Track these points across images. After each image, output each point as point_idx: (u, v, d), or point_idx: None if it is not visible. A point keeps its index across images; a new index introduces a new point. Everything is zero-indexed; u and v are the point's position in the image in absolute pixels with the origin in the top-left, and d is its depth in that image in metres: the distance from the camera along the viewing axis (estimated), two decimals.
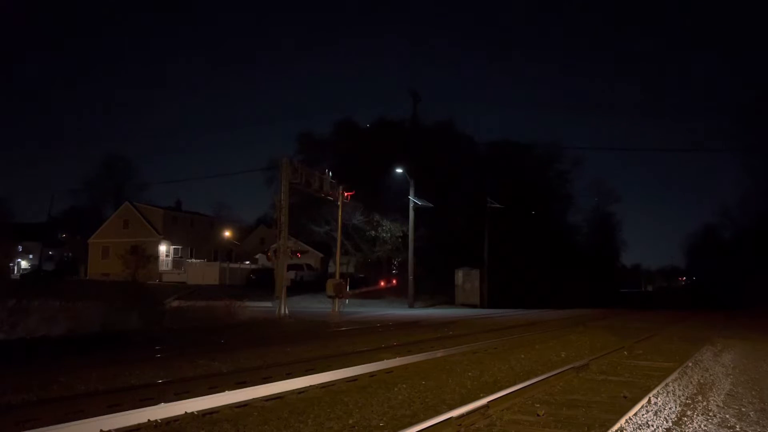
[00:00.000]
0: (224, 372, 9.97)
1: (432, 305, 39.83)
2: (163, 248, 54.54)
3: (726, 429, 6.58)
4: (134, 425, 6.18)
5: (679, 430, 6.41)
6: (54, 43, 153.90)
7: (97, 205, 67.99)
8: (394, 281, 37.40)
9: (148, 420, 6.31)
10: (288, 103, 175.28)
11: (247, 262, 55.74)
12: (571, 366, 10.48)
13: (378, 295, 41.79)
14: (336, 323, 22.25)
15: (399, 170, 39.43)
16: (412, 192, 39.08)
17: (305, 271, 48.83)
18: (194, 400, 7.06)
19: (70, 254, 64.02)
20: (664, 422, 6.64)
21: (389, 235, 44.84)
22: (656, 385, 8.75)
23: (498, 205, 43.77)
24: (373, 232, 45.15)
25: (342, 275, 30.78)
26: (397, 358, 11.34)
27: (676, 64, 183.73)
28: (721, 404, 7.88)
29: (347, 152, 47.03)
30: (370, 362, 10.71)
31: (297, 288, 39.55)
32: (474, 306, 40.59)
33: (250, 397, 7.57)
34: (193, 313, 21.07)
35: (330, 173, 29.48)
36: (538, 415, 7.02)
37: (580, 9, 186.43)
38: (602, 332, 19.58)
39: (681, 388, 8.85)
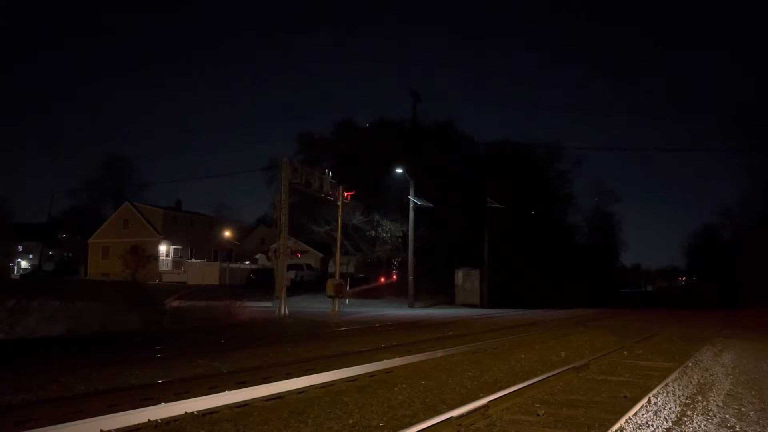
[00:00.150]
0: (224, 372, 9.97)
1: (432, 305, 39.82)
2: (163, 248, 54.55)
3: (726, 429, 6.58)
4: (134, 425, 6.19)
5: (679, 430, 6.41)
6: (54, 42, 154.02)
7: (97, 205, 68.06)
8: (395, 276, 37.38)
9: (148, 420, 6.31)
10: (288, 103, 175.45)
11: (247, 262, 55.75)
12: (571, 366, 10.48)
13: (378, 294, 41.78)
14: (336, 323, 22.25)
15: (399, 170, 39.43)
16: (412, 192, 39.07)
17: (305, 271, 48.84)
18: (194, 400, 7.06)
19: (70, 254, 64.05)
20: (664, 422, 6.64)
21: (389, 235, 44.84)
22: (656, 385, 8.76)
23: (498, 205, 43.76)
24: (373, 232, 45.15)
25: (342, 275, 30.75)
26: (397, 358, 11.34)
27: (677, 64, 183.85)
28: (721, 404, 7.88)
29: (347, 152, 47.03)
30: (370, 362, 10.71)
31: (297, 288, 39.56)
32: (474, 306, 40.59)
33: (250, 397, 7.57)
34: (193, 313, 21.08)
35: (330, 173, 29.45)
36: (538, 415, 7.02)
37: (580, 9, 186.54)
38: (602, 332, 19.58)
39: (681, 388, 8.85)
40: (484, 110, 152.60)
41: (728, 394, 8.65)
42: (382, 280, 33.71)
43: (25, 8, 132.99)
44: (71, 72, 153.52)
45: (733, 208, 71.15)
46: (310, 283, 43.84)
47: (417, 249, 39.52)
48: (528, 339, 17.17)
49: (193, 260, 53.48)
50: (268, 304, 25.72)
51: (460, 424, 6.20)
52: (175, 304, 23.89)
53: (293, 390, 8.22)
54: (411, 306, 37.36)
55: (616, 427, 6.24)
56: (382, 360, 11.07)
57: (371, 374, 9.85)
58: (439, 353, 12.60)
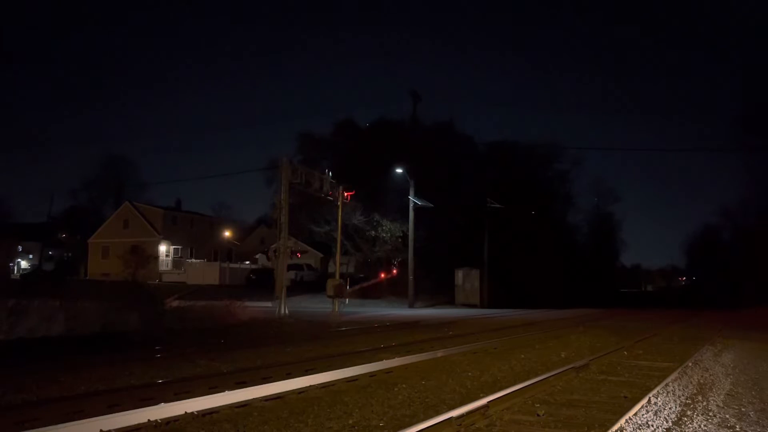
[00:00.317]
0: (224, 372, 9.97)
1: (432, 305, 39.82)
2: (163, 248, 54.56)
3: (726, 429, 6.59)
4: (134, 425, 6.18)
5: (679, 430, 6.41)
6: (54, 42, 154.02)
7: (97, 205, 68.01)
8: (395, 271, 37.36)
9: (148, 420, 6.31)
10: (288, 103, 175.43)
11: (247, 262, 55.75)
12: (571, 366, 10.48)
13: (378, 294, 41.79)
14: (336, 323, 22.25)
15: (399, 170, 39.42)
16: (412, 192, 39.07)
17: (305, 271, 48.85)
18: (194, 400, 7.06)
19: (70, 254, 64.03)
20: (664, 422, 6.64)
21: (389, 235, 44.82)
22: (656, 385, 8.76)
23: (498, 205, 43.77)
24: (373, 232, 45.13)
25: (342, 275, 30.78)
26: (397, 358, 11.34)
27: (677, 64, 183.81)
28: (721, 404, 7.88)
29: (347, 152, 47.01)
30: (370, 362, 10.71)
31: (297, 288, 39.55)
32: (474, 306, 40.59)
33: (250, 397, 7.57)
34: (193, 313, 21.04)
35: (330, 173, 29.46)
36: (538, 415, 7.03)
37: (580, 9, 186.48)
38: (602, 332, 19.59)
39: (681, 388, 8.85)
40: (484, 110, 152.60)
41: (728, 394, 8.65)
42: (382, 275, 33.70)
43: (26, 8, 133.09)
44: (71, 72, 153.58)
45: (733, 208, 71.27)
46: (310, 283, 43.85)
47: (417, 249, 39.51)
48: (528, 339, 17.17)
49: (193, 260, 53.49)
50: (268, 304, 25.71)
51: (460, 424, 6.20)
52: (175, 304, 23.84)
53: (293, 390, 8.22)
54: (411, 306, 37.36)
55: (616, 427, 6.24)
56: (382, 360, 11.07)
57: (371, 374, 9.85)
58: (439, 353, 12.60)
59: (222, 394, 7.52)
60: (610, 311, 36.11)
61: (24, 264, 65.10)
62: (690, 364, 11.38)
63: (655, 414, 6.97)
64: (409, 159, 39.93)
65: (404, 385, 8.97)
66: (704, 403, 7.83)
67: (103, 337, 15.44)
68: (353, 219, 42.37)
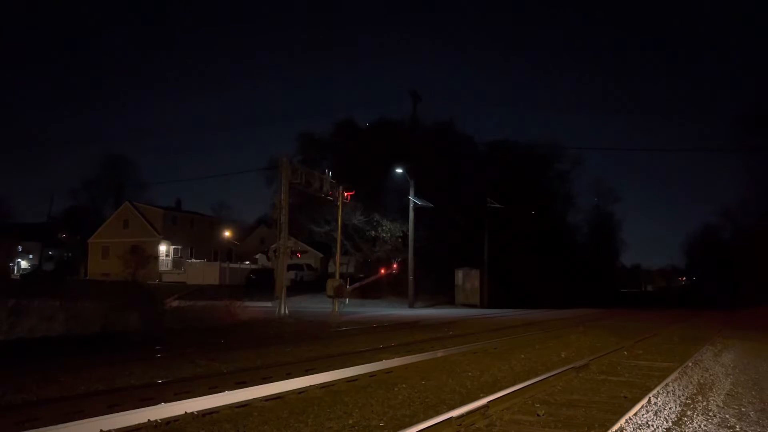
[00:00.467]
0: (224, 372, 9.97)
1: (432, 305, 39.82)
2: (163, 248, 54.56)
3: (726, 429, 6.59)
4: (134, 425, 6.18)
5: (679, 430, 6.41)
6: (54, 42, 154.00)
7: (97, 205, 68.02)
8: (395, 266, 37.32)
9: (148, 420, 6.31)
10: (288, 103, 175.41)
11: (247, 262, 55.76)
12: (571, 366, 10.48)
13: (378, 294, 41.77)
14: (336, 323, 22.25)
15: (399, 170, 39.42)
16: (412, 192, 39.07)
17: (305, 271, 48.85)
18: (194, 400, 7.06)
19: (70, 254, 64.06)
20: (664, 422, 6.64)
21: (389, 235, 44.81)
22: (656, 385, 8.76)
23: (498, 205, 43.77)
24: (373, 232, 45.12)
25: (342, 275, 30.76)
26: (397, 358, 11.34)
27: (677, 64, 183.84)
28: (721, 404, 7.88)
29: (347, 152, 47.00)
30: (370, 362, 10.71)
31: (297, 288, 39.54)
32: (474, 306, 40.59)
33: (250, 397, 7.57)
34: (193, 313, 21.03)
35: (330, 173, 29.45)
36: (538, 415, 7.02)
37: (580, 9, 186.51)
38: (602, 332, 19.59)
39: (681, 388, 8.85)
40: (484, 110, 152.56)
41: (728, 394, 8.65)
42: (383, 271, 33.65)
43: (26, 8, 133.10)
44: (71, 72, 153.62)
45: (734, 209, 71.23)
46: (310, 283, 43.84)
47: (417, 249, 39.50)
48: (528, 339, 17.17)
49: (193, 260, 53.49)
50: (268, 304, 25.71)
51: (460, 424, 6.20)
52: (175, 304, 23.84)
53: (293, 390, 8.22)
54: (411, 306, 37.35)
55: (616, 427, 6.24)
56: (382, 360, 11.07)
57: (371, 374, 9.85)
58: (439, 353, 12.60)
59: (222, 394, 7.52)
60: (610, 311, 36.11)
61: (24, 264, 65.10)
62: (690, 364, 11.38)
63: (655, 414, 6.97)
64: (409, 159, 39.92)
65: (404, 385, 8.97)
66: (704, 403, 7.83)
67: (103, 337, 15.43)
68: (353, 219, 42.37)
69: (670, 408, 7.37)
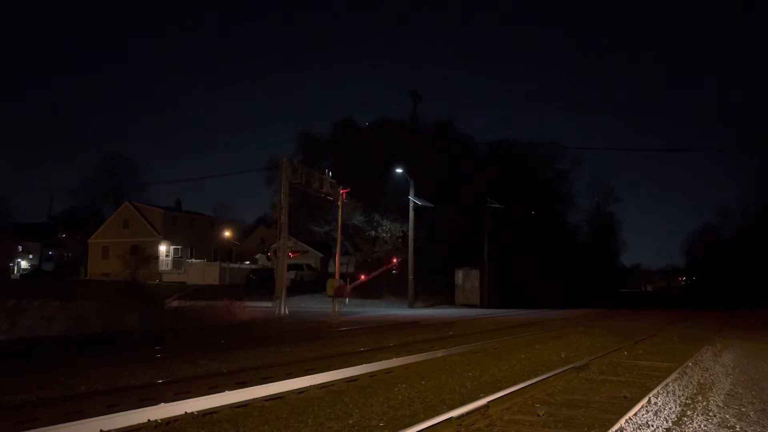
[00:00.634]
0: (224, 372, 9.97)
1: (432, 305, 39.82)
2: (163, 248, 54.56)
3: (726, 429, 6.59)
4: (134, 425, 6.19)
5: (679, 430, 6.41)
6: (55, 42, 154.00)
7: (97, 205, 68.05)
8: (394, 260, 37.30)
9: (148, 420, 6.31)
10: (288, 103, 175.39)
11: (247, 262, 55.75)
12: (571, 366, 10.49)
13: (378, 294, 41.78)
14: (336, 323, 22.25)
15: (399, 170, 39.44)
16: (412, 192, 39.07)
17: (305, 271, 48.84)
18: (194, 400, 7.06)
19: (70, 254, 64.05)
20: (664, 422, 6.64)
21: (389, 235, 44.80)
22: (656, 385, 8.76)
23: (498, 205, 43.76)
24: (373, 232, 45.11)
25: (342, 275, 30.77)
26: (397, 358, 11.35)
27: (677, 64, 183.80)
28: (721, 404, 7.88)
29: (347, 152, 46.98)
30: (370, 362, 10.71)
31: (297, 288, 39.54)
32: (474, 306, 40.58)
33: (250, 397, 7.57)
34: (193, 313, 21.05)
35: (330, 173, 29.47)
36: (538, 415, 7.02)
37: (580, 9, 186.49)
38: (602, 332, 19.58)
39: (681, 388, 8.86)
40: (484, 110, 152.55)
41: (728, 394, 8.65)
42: (384, 267, 33.65)
43: (26, 8, 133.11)
44: (72, 72, 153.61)
45: (733, 208, 71.31)
46: (310, 283, 43.83)
47: (417, 249, 39.50)
48: (528, 339, 17.17)
49: (193, 260, 53.48)
50: (268, 304, 25.72)
51: (460, 424, 6.20)
52: (175, 304, 23.86)
53: (293, 390, 8.22)
54: (411, 306, 37.35)
55: (616, 427, 6.24)
56: (382, 360, 11.07)
57: (371, 374, 9.85)
58: (439, 353, 12.61)
59: (222, 394, 7.52)
60: (610, 311, 36.09)
61: (24, 264, 65.10)
62: (690, 364, 11.38)
63: (655, 414, 6.98)
64: (409, 159, 39.92)
65: (404, 385, 8.97)
66: (704, 403, 7.83)
67: (103, 337, 15.43)
68: (353, 219, 42.36)
69: (670, 408, 7.37)
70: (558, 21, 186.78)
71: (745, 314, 33.74)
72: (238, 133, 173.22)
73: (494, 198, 43.96)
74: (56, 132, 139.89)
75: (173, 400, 7.16)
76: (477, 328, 21.13)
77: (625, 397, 8.19)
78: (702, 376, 10.15)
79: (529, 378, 9.18)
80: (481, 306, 40.86)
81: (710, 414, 7.21)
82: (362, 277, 32.35)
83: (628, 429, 6.26)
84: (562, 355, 13.16)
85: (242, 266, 52.49)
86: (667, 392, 8.40)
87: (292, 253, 29.09)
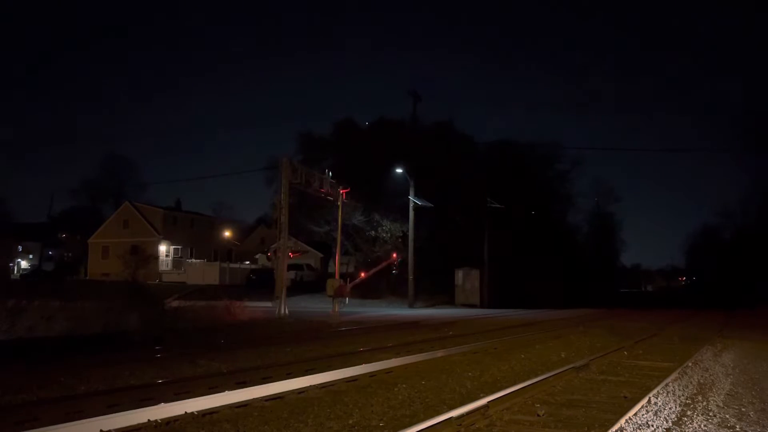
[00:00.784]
0: (224, 372, 9.97)
1: (432, 305, 39.82)
2: (163, 248, 54.56)
3: (726, 429, 6.58)
4: (134, 425, 6.18)
5: (679, 430, 6.41)
6: (55, 42, 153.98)
7: (97, 205, 68.09)
8: (394, 255, 37.35)
9: (148, 420, 6.31)
10: (288, 103, 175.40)
11: (247, 262, 55.76)
12: (571, 366, 10.48)
13: (378, 294, 41.78)
14: (336, 323, 22.25)
15: (399, 170, 39.44)
16: (412, 192, 39.07)
17: (305, 271, 48.83)
18: (194, 400, 7.06)
19: (70, 254, 64.09)
20: (664, 422, 6.64)
21: (389, 235, 44.81)
22: (656, 385, 8.76)
23: (498, 205, 43.76)
24: (373, 232, 45.12)
25: (342, 275, 30.77)
26: (397, 358, 11.34)
27: (677, 65, 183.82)
28: (721, 404, 7.88)
29: (347, 152, 47.01)
30: (370, 362, 10.71)
31: (297, 288, 39.55)
32: (474, 306, 40.58)
33: (250, 397, 7.57)
34: (193, 313, 21.03)
35: (330, 173, 29.46)
36: (538, 415, 7.02)
37: (580, 9, 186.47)
38: (602, 332, 19.58)
39: (681, 388, 8.86)
40: (484, 110, 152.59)
41: (728, 394, 8.65)
42: (383, 264, 33.66)
43: (27, 8, 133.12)
44: (72, 72, 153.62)
45: (734, 208, 71.33)
46: (310, 283, 43.84)
47: (417, 249, 39.50)
48: (528, 339, 17.17)
49: (193, 260, 53.50)
50: (268, 304, 25.72)
51: (460, 424, 6.20)
52: (175, 304, 23.85)
53: (293, 390, 8.22)
54: (411, 306, 37.36)
55: (616, 427, 6.24)
56: (382, 360, 11.07)
57: (371, 374, 9.85)
58: (439, 353, 12.61)
59: (222, 394, 7.51)
60: (610, 311, 36.09)
61: (24, 264, 65.14)
62: (690, 364, 11.38)
63: (655, 414, 6.97)
64: (409, 159, 39.93)
65: (404, 385, 8.97)
66: (704, 403, 7.83)
67: (103, 337, 15.43)
68: (353, 219, 42.37)
69: (670, 408, 7.37)
70: (558, 21, 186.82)
71: (746, 314, 33.73)
72: (238, 133, 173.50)
73: (494, 198, 43.96)
74: (56, 132, 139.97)
75: (173, 400, 7.15)
76: (477, 328, 21.13)
77: (625, 397, 8.18)
78: (702, 376, 10.15)
79: (529, 378, 9.18)
80: (481, 306, 40.86)
81: (710, 414, 7.21)
82: (362, 274, 32.30)
83: (628, 429, 6.26)
84: (562, 355, 13.16)
85: (242, 266, 52.50)
86: (667, 392, 8.40)
87: (292, 253, 29.04)
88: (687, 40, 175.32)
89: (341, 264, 33.14)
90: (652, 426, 6.42)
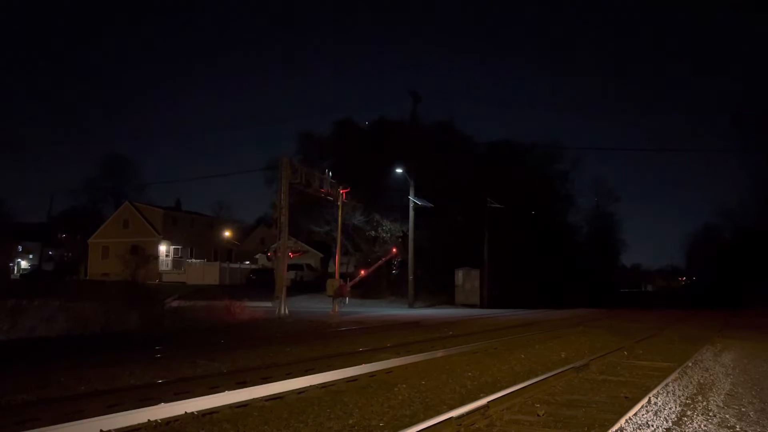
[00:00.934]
0: (224, 372, 9.97)
1: (432, 305, 39.82)
2: (163, 248, 54.54)
3: (726, 429, 6.59)
4: (134, 425, 6.19)
5: (679, 430, 6.41)
6: (55, 42, 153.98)
7: (97, 205, 68.05)
8: (394, 250, 37.32)
9: (148, 420, 6.31)
10: (288, 103, 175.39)
11: (247, 262, 55.74)
12: (571, 366, 10.48)
13: (378, 293, 41.77)
14: (336, 323, 22.25)
15: (399, 170, 39.44)
16: (412, 192, 39.06)
17: (305, 271, 48.82)
18: (194, 400, 7.06)
19: (70, 254, 64.00)
20: (664, 422, 6.64)
21: (389, 235, 44.81)
22: (656, 385, 8.76)
23: (498, 205, 43.76)
24: (373, 232, 45.11)
25: (342, 275, 30.76)
26: (397, 358, 11.34)
27: (677, 65, 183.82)
28: (721, 404, 7.88)
29: (347, 152, 46.99)
30: (370, 362, 10.71)
31: (297, 288, 39.54)
32: (474, 306, 40.58)
33: (250, 397, 7.57)
34: (193, 313, 21.05)
35: (330, 173, 29.46)
36: (538, 415, 7.02)
37: (580, 9, 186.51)
38: (602, 332, 19.57)
39: (681, 388, 8.86)
40: (484, 110, 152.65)
41: (728, 394, 8.65)
42: (383, 260, 33.66)
43: (26, 8, 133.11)
44: (72, 72, 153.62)
45: (734, 208, 71.23)
46: (310, 283, 43.83)
47: (417, 249, 39.49)
48: (528, 339, 17.16)
49: (193, 260, 53.48)
50: (268, 304, 25.73)
51: (460, 424, 6.20)
52: (175, 304, 23.86)
53: (293, 390, 8.22)
54: (411, 306, 37.35)
55: (616, 427, 6.24)
56: (382, 360, 11.07)
57: (371, 374, 9.85)
58: (439, 353, 12.60)
59: (222, 394, 7.51)
60: (610, 311, 36.07)
61: (24, 264, 65.11)
62: (690, 364, 11.38)
63: (655, 414, 6.98)
64: (409, 159, 39.91)
65: (404, 385, 8.97)
66: (704, 403, 7.83)
67: (103, 337, 15.44)
68: (353, 219, 42.36)
69: (670, 408, 7.37)
70: (558, 21, 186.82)
71: (746, 314, 33.72)
72: (238, 133, 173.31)
73: (494, 198, 43.95)
74: (56, 132, 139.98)
75: (173, 400, 7.15)
76: (477, 328, 21.13)
77: (626, 397, 8.18)
78: (702, 376, 10.15)
79: (529, 378, 9.18)
80: (481, 306, 40.86)
81: (710, 414, 7.21)
82: (362, 272, 32.32)
83: (628, 429, 6.26)
84: (562, 355, 13.15)
85: (242, 266, 52.48)
86: (667, 392, 8.40)
87: (292, 253, 29.04)
88: (687, 39, 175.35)
89: (341, 264, 33.13)
90: (652, 426, 6.42)
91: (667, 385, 8.94)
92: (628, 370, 10.93)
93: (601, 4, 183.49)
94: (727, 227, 78.58)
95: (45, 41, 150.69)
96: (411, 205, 39.04)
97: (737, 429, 6.59)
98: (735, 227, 74.04)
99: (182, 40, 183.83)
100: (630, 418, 6.67)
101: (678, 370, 10.42)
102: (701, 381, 9.69)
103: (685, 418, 6.88)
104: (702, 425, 6.62)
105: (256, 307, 25.00)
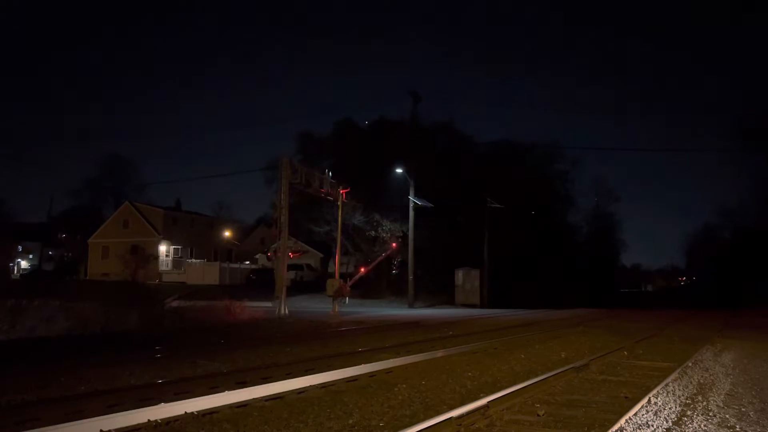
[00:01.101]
0: (224, 372, 9.97)
1: (432, 305, 39.81)
2: (163, 248, 54.54)
3: (726, 429, 6.58)
4: (134, 425, 6.19)
5: (679, 430, 6.41)
6: (55, 42, 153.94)
7: (97, 205, 67.97)
8: (394, 245, 37.29)
9: (148, 420, 6.31)
10: (288, 103, 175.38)
11: (247, 262, 55.73)
12: (571, 366, 10.48)
13: (378, 293, 41.75)
14: (336, 323, 22.25)
15: (399, 170, 39.44)
16: (412, 192, 39.06)
17: (305, 271, 48.82)
18: (194, 400, 7.06)
19: (70, 254, 63.99)
20: (664, 422, 6.64)
21: (389, 235, 44.78)
22: (656, 385, 8.76)
23: (498, 205, 43.75)
24: (373, 232, 45.11)
25: (342, 275, 30.76)
26: (397, 358, 11.34)
27: (677, 64, 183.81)
28: (721, 404, 7.88)
29: (347, 152, 46.98)
30: (370, 362, 10.71)
31: (297, 288, 39.54)
32: (474, 306, 40.57)
33: (250, 397, 7.57)
34: (193, 313, 21.07)
35: (330, 173, 29.45)
36: (538, 415, 7.02)
37: (581, 10, 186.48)
38: (602, 332, 19.57)
39: (681, 388, 8.85)
40: (484, 110, 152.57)
41: (728, 394, 8.65)
42: (383, 255, 33.63)
43: (27, 8, 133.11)
44: (72, 72, 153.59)
45: (734, 209, 71.23)
46: (310, 283, 43.83)
47: (417, 249, 39.48)
48: (528, 339, 17.16)
49: (193, 260, 53.48)
50: (268, 304, 25.73)
51: (460, 424, 6.20)
52: (175, 304, 23.88)
53: (293, 390, 8.22)
54: (411, 306, 37.35)
55: (616, 427, 6.24)
56: (382, 360, 11.07)
57: (371, 374, 9.85)
58: (439, 353, 12.60)
59: (222, 394, 7.51)
60: (610, 311, 36.07)
61: (24, 264, 65.08)
62: (690, 364, 11.38)
63: (655, 414, 6.98)
64: (409, 159, 39.91)
65: (404, 385, 8.97)
66: (704, 403, 7.83)
67: (103, 337, 15.44)
68: (353, 219, 42.36)
69: (670, 408, 7.37)
70: (558, 21, 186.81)
71: (746, 314, 33.72)
72: (238, 133, 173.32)
73: (494, 198, 43.95)
74: (57, 132, 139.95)
75: (173, 400, 7.15)
76: (477, 328, 21.12)
77: (626, 397, 8.18)
78: (702, 376, 10.15)
79: (529, 378, 9.18)
80: (481, 306, 40.85)
81: (710, 414, 7.21)
82: (362, 269, 32.30)
83: (628, 429, 6.26)
84: (562, 355, 13.15)
85: (242, 266, 52.47)
86: (667, 392, 8.40)
87: (292, 253, 29.07)
88: (687, 39, 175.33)
89: (341, 264, 33.13)
90: (652, 426, 6.42)
91: (667, 385, 8.94)
92: (628, 370, 10.93)
93: (602, 4, 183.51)
94: (727, 227, 78.68)
95: (45, 41, 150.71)
96: (411, 205, 39.04)
97: (737, 429, 6.59)
98: (735, 227, 74.11)
99: (182, 40, 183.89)
100: (630, 418, 6.67)
101: (678, 370, 10.42)
102: (701, 381, 9.69)
103: (685, 418, 6.88)
104: (702, 425, 6.62)
105: (256, 307, 25.00)
